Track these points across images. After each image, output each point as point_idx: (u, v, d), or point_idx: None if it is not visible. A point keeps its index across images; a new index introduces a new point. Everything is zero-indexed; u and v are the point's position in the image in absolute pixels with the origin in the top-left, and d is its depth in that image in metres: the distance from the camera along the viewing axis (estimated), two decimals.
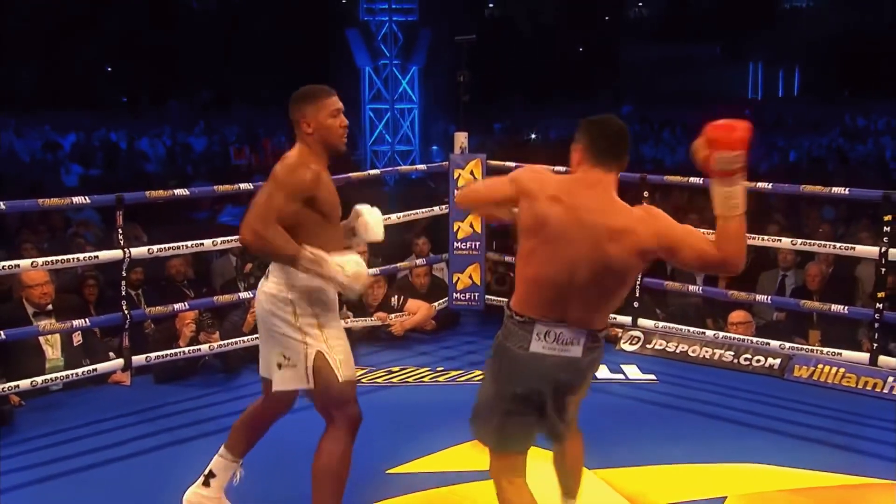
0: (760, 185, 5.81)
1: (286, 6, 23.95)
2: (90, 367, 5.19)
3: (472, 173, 6.72)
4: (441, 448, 4.61)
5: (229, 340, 5.72)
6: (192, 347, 5.60)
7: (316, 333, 3.40)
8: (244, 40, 24.57)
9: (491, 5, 33.36)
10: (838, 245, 5.96)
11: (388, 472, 4.36)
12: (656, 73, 29.56)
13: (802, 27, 30.87)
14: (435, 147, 17.19)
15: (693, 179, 5.92)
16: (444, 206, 6.87)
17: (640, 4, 30.50)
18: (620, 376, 5.86)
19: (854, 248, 5.80)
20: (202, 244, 5.72)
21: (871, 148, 20.53)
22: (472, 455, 4.50)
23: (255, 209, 3.25)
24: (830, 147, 20.52)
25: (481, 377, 5.65)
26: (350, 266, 3.28)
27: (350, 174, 6.46)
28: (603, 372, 5.81)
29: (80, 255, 5.33)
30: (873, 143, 21.11)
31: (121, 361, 5.28)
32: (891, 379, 5.40)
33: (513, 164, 7.26)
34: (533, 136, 21.80)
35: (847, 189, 5.97)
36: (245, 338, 5.77)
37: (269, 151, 17.14)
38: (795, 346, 5.92)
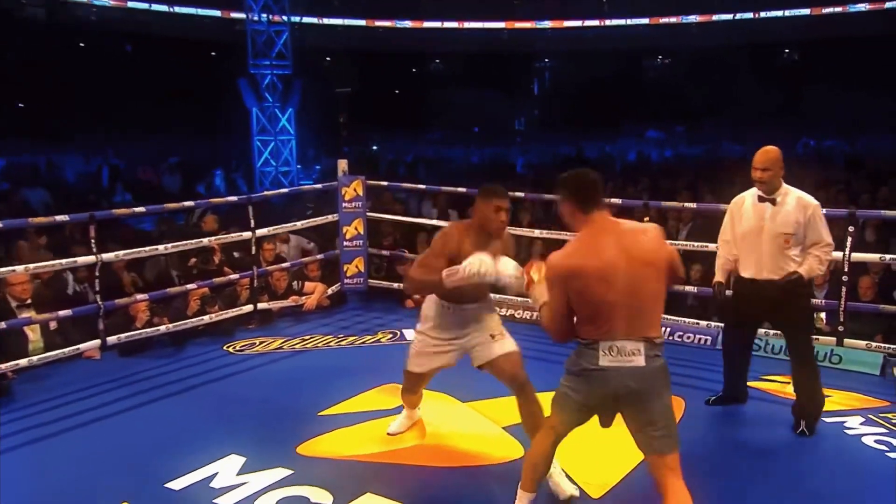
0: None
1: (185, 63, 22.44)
2: (75, 347, 4.89)
3: (355, 190, 6.74)
4: (355, 394, 4.60)
5: (178, 322, 5.53)
6: (151, 328, 5.37)
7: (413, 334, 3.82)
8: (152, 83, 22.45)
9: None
10: None
11: (319, 414, 4.32)
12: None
13: None
14: (318, 166, 17.25)
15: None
16: (335, 215, 6.82)
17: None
18: None
19: None
20: (156, 248, 5.50)
21: None
22: (379, 398, 4.57)
23: (414, 262, 3.61)
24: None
25: (376, 339, 5.83)
26: (471, 265, 3.16)
27: (267, 192, 6.34)
28: None
29: (62, 261, 4.99)
30: None
31: (98, 341, 5.00)
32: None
33: (385, 183, 7.36)
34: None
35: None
36: (189, 320, 5.60)
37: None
38: None
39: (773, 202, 3.95)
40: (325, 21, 21.04)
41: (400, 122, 24.02)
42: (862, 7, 21.18)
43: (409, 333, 5.90)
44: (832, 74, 21.97)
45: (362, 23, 22.06)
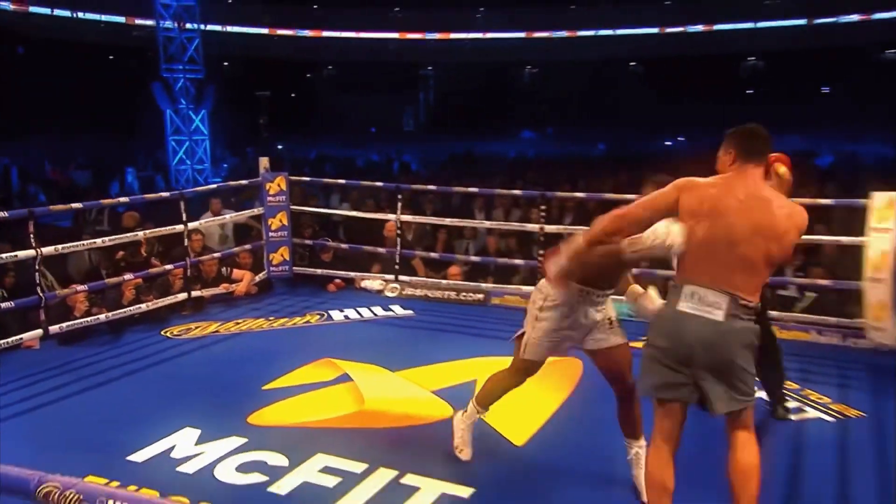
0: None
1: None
2: (18, 337, 4.61)
3: (279, 185, 6.66)
4: (293, 369, 4.57)
5: (116, 311, 5.31)
6: (91, 317, 5.13)
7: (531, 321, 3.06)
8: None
9: None
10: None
11: (263, 388, 4.28)
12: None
13: None
14: (225, 164, 16.67)
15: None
16: (261, 209, 6.71)
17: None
18: (391, 312, 5.99)
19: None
20: (94, 242, 5.25)
21: None
22: (316, 371, 4.57)
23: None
24: None
25: (305, 320, 5.81)
26: (659, 231, 2.52)
27: (197, 188, 6.15)
28: (378, 310, 6.04)
29: (4, 255, 4.68)
30: None
31: (39, 331, 4.74)
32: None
33: (308, 179, 7.29)
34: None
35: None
36: (126, 309, 5.39)
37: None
38: (490, 285, 6.44)
39: None
40: (229, 29, 20.33)
41: (301, 125, 23.58)
42: (698, 28, 22.59)
43: (336, 314, 5.93)
44: (671, 85, 23.55)
45: (265, 31, 21.47)
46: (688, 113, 22.36)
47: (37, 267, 4.70)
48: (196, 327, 5.58)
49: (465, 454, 3.32)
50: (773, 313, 5.28)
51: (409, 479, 3.18)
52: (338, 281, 6.76)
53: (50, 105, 19.06)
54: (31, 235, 4.65)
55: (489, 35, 24.51)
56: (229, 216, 6.91)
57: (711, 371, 2.37)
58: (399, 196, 6.41)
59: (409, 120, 32.09)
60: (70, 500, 1.13)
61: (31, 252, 4.65)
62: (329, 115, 25.23)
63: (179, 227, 5.82)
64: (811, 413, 3.96)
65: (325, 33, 23.19)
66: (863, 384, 4.37)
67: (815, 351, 5.00)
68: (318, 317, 5.88)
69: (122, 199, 5.79)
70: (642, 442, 2.96)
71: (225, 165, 17.73)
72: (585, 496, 3.08)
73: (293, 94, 27.86)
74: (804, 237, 2.85)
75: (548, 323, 2.98)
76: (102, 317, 5.16)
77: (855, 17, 20.53)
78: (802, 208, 2.46)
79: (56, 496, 1.13)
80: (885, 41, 21.86)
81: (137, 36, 15.75)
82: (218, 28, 19.68)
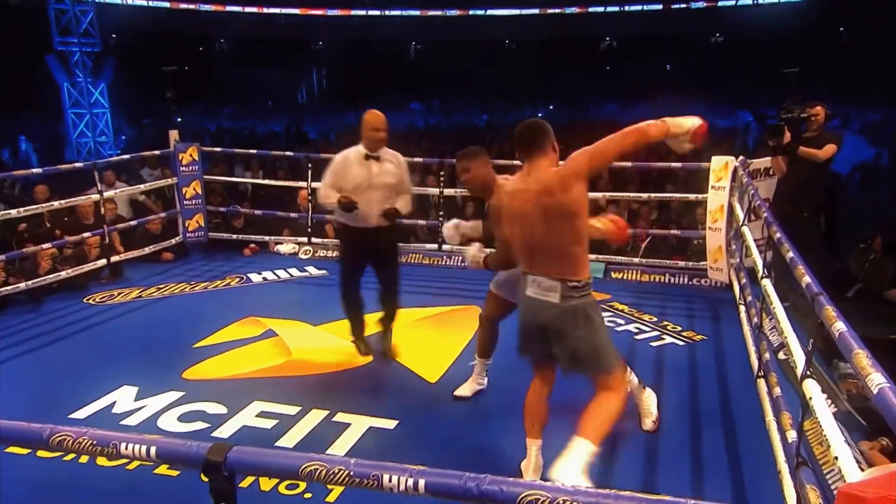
0: None
1: None
2: None
3: (191, 155, 6.39)
4: (220, 328, 4.50)
5: (34, 280, 4.99)
6: (10, 287, 4.80)
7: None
8: None
9: None
10: None
11: (193, 346, 4.22)
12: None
13: None
14: (123, 136, 15.49)
15: None
16: (174, 178, 6.42)
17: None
18: (306, 273, 5.96)
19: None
20: (9, 213, 4.87)
21: None
22: (242, 329, 4.53)
23: None
24: None
25: (226, 283, 5.67)
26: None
27: (111, 158, 5.80)
28: (294, 271, 6.00)
29: None
30: None
31: None
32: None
33: (219, 150, 7.01)
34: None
35: None
36: (44, 277, 5.07)
37: None
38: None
39: (378, 159, 3.72)
40: (129, 2, 18.69)
41: (196, 97, 22.28)
42: (574, 10, 23.12)
43: (255, 276, 5.84)
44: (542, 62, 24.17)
45: (166, 5, 19.87)
46: (559, 86, 23.17)
47: None
48: (119, 294, 5.34)
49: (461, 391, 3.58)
50: (635, 259, 5.75)
51: (340, 417, 3.29)
52: (253, 245, 6.63)
53: None
54: None
55: (375, 12, 24.00)
56: (143, 186, 6.59)
57: (556, 341, 2.54)
58: (309, 165, 6.33)
59: (303, 92, 31.11)
60: (84, 446, 1.14)
61: None
62: (225, 88, 24.03)
63: (95, 197, 5.50)
64: (667, 339, 4.38)
65: (228, 7, 21.80)
66: (705, 313, 4.87)
67: (670, 290, 5.49)
68: (238, 279, 5.78)
69: (35, 171, 5.34)
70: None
71: (123, 137, 16.56)
72: (491, 424, 3.31)
73: (187, 68, 26.12)
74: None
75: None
76: (22, 285, 4.83)
77: (702, 5, 21.82)
78: (572, 157, 2.43)
79: (70, 443, 1.13)
80: (719, 28, 23.33)
81: (26, 8, 14.12)
82: (118, 1, 18.10)
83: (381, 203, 3.74)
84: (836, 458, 1.61)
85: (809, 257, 4.61)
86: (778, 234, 2.88)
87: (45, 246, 5.09)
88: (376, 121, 3.73)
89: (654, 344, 4.31)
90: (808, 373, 2.03)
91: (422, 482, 1.12)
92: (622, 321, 4.72)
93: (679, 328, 4.57)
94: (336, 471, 1.06)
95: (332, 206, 3.76)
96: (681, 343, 4.33)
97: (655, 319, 4.73)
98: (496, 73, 25.02)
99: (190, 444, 1.11)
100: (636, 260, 5.73)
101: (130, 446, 1.12)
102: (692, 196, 5.55)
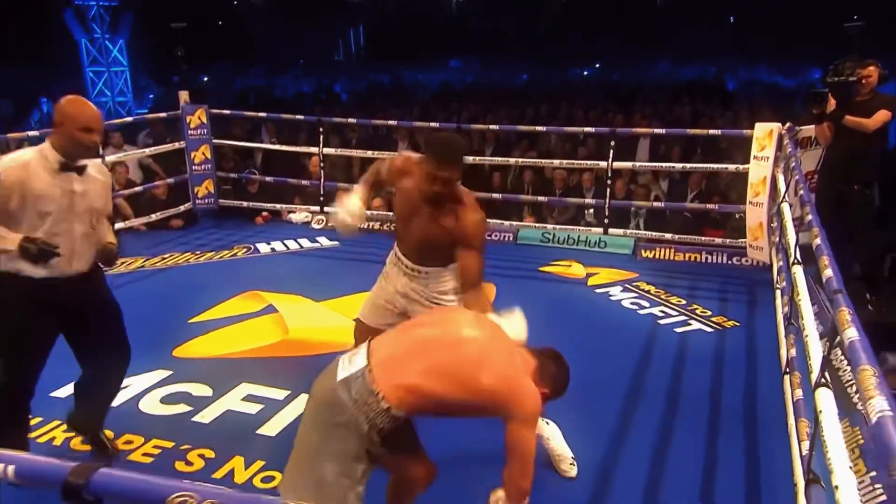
0: None
1: None
2: None
3: (199, 118, 6.37)
4: (219, 302, 4.51)
5: None
6: None
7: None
8: None
9: None
10: None
11: (189, 321, 4.22)
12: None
13: None
14: (151, 95, 15.66)
15: None
16: (182, 142, 6.42)
17: None
18: (317, 244, 5.91)
19: None
20: None
21: None
22: (241, 304, 4.52)
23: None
24: None
25: (232, 254, 5.67)
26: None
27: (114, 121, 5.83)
28: (304, 242, 5.96)
29: None
30: None
31: None
32: None
33: (228, 112, 6.96)
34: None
35: None
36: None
37: None
38: None
39: (81, 171, 2.48)
40: None
41: (226, 55, 22.30)
42: None
43: (263, 247, 5.83)
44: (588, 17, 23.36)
45: None
46: (606, 44, 22.40)
47: None
48: (122, 263, 5.38)
49: None
50: (668, 235, 5.51)
51: None
52: (265, 213, 6.62)
53: None
54: None
55: None
56: (149, 150, 6.60)
57: None
58: (321, 129, 6.24)
59: (340, 51, 30.90)
60: None
61: None
62: (256, 46, 23.96)
63: (111, 158, 5.54)
64: (694, 325, 4.19)
65: None
66: (740, 297, 4.64)
67: (704, 269, 5.26)
68: (245, 250, 5.78)
69: (32, 133, 5.35)
70: None
71: (150, 96, 16.74)
72: None
73: (220, 23, 26.16)
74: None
75: (376, 285, 2.79)
76: None
77: None
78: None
79: None
80: None
81: None
82: None
83: (86, 238, 2.54)
84: (836, 486, 1.46)
85: (860, 236, 4.37)
86: (810, 217, 2.65)
87: None
88: (88, 116, 2.43)
89: (679, 330, 4.13)
90: (823, 380, 1.86)
91: None
92: (647, 304, 4.54)
93: (709, 312, 4.37)
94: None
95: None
96: (709, 329, 4.13)
97: (684, 302, 4.53)
98: (538, 30, 24.35)
99: (53, 462, 1.04)
100: (668, 236, 5.49)
101: None
102: (732, 167, 5.25)
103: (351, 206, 2.64)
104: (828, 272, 1.99)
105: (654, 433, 3.00)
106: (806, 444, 2.13)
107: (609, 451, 2.86)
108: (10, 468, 1.04)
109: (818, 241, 2.29)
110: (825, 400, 1.78)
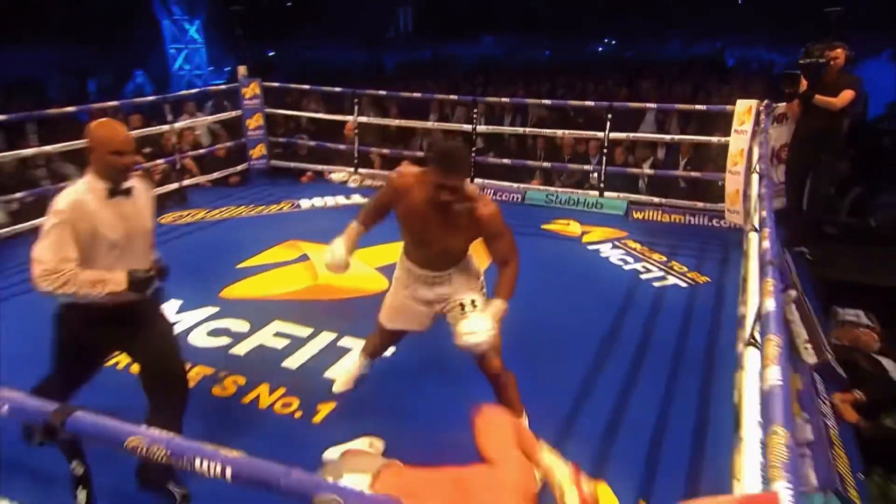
0: None
1: None
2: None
3: (253, 90, 6.34)
4: (263, 250, 4.54)
5: None
6: None
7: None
8: None
9: None
10: None
11: (236, 266, 4.27)
12: None
13: None
14: (227, 68, 15.66)
15: None
16: (239, 111, 6.42)
17: None
18: (351, 201, 5.85)
19: None
20: None
21: None
22: (282, 252, 4.55)
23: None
24: None
25: (279, 208, 5.71)
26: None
27: (182, 92, 5.83)
28: (341, 199, 5.93)
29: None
30: None
31: None
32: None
33: (277, 84, 6.88)
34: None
35: None
36: None
37: None
38: None
39: (128, 193, 2.14)
40: None
41: (294, 32, 22.04)
42: None
43: (305, 203, 5.85)
44: None
45: None
46: (623, 21, 21.34)
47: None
48: (188, 214, 5.49)
49: (335, 386, 2.78)
50: (656, 199, 5.33)
51: (345, 342, 3.28)
52: (309, 173, 6.62)
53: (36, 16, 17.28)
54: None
55: None
56: (211, 118, 6.61)
57: None
58: (356, 101, 6.15)
59: (398, 26, 30.39)
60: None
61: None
62: (322, 21, 23.62)
63: (165, 128, 5.57)
64: (671, 280, 4.08)
65: None
66: (715, 256, 4.49)
67: (686, 230, 5.10)
68: (290, 205, 5.80)
69: (112, 104, 5.41)
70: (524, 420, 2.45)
71: (227, 69, 16.69)
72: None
73: (289, 4, 25.78)
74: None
75: (392, 288, 2.56)
76: None
77: None
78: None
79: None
80: None
81: None
82: None
83: (146, 257, 2.21)
84: (740, 438, 1.41)
85: (816, 198, 4.17)
86: (764, 190, 2.51)
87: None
88: (118, 140, 2.07)
89: (657, 284, 4.03)
90: (752, 340, 1.79)
91: (229, 470, 1.03)
92: (632, 259, 4.43)
93: (685, 269, 4.25)
94: (154, 448, 0.99)
95: (101, 295, 2.02)
96: (683, 285, 4.02)
97: (665, 259, 4.41)
98: (564, 9, 23.29)
99: (40, 403, 1.07)
100: (656, 200, 5.31)
101: None
102: (714, 139, 5.01)
103: (335, 256, 2.45)
104: (765, 244, 1.88)
105: (619, 377, 2.96)
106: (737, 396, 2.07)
107: (579, 393, 2.84)
108: (6, 407, 1.07)
109: (764, 213, 2.17)
110: (750, 358, 1.71)
